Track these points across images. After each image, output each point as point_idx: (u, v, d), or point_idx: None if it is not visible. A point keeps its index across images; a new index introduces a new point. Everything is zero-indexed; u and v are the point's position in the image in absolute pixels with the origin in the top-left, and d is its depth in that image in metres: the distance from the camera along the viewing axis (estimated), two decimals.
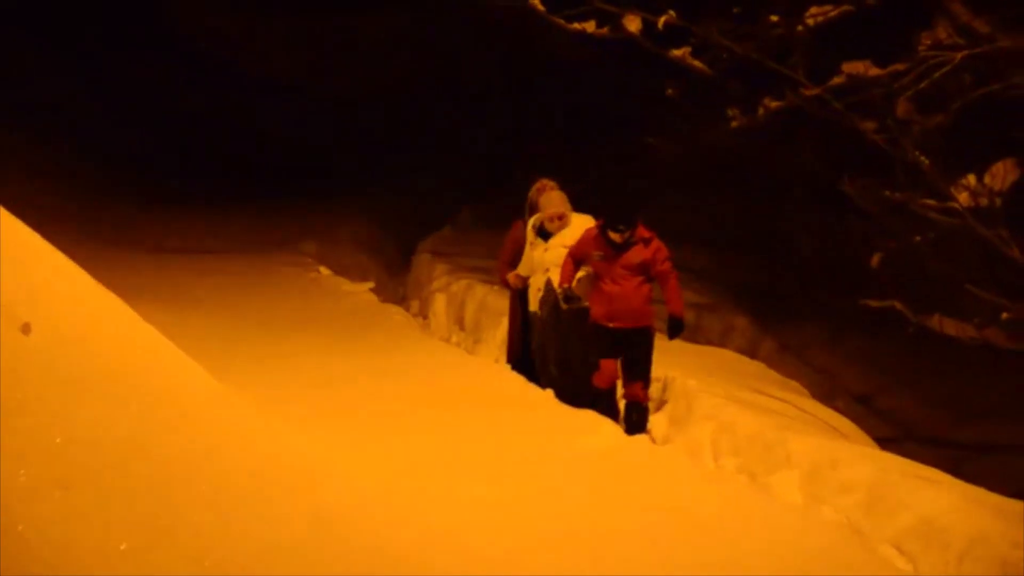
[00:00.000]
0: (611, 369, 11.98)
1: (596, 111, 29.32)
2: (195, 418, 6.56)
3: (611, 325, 11.89)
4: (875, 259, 14.59)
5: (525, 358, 13.25)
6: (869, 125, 13.59)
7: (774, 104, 14.64)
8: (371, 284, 19.38)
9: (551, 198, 12.75)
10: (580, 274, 12.23)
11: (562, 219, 12.65)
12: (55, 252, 6.72)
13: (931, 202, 13.41)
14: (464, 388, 12.49)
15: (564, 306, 12.27)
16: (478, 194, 27.38)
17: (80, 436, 5.49)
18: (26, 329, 5.72)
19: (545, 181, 13.05)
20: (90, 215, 23.42)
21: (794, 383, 15.29)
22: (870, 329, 18.15)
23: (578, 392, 11.99)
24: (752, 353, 17.44)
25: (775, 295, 20.21)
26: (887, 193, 13.66)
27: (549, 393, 12.32)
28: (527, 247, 13.00)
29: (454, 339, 16.95)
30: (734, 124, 15.10)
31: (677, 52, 14.81)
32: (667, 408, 12.31)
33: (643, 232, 11.86)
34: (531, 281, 12.95)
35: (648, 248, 11.82)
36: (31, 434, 5.26)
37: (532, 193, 13.09)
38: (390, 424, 10.79)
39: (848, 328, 19.11)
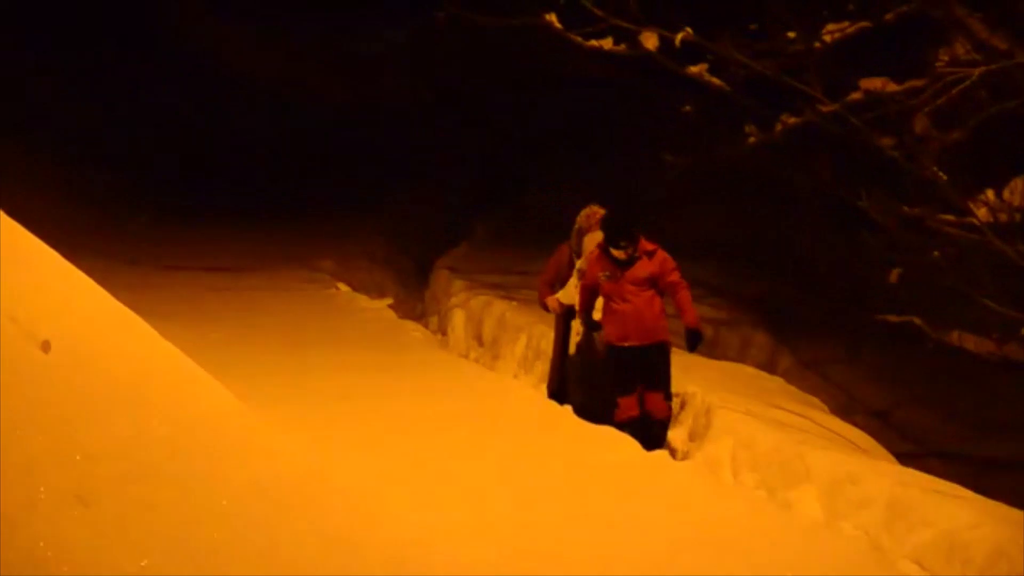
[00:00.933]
0: (631, 405, 11.72)
1: (610, 125, 29.32)
2: (214, 434, 6.57)
3: (626, 344, 11.68)
4: (894, 275, 14.59)
5: (563, 391, 12.87)
6: (887, 141, 13.58)
7: (791, 120, 14.65)
8: (389, 300, 19.41)
9: (594, 239, 12.21)
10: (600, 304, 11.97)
11: None
12: (72, 269, 6.74)
13: (949, 217, 13.41)
14: (482, 404, 12.49)
15: (588, 332, 12.12)
16: (492, 209, 27.36)
17: (100, 452, 5.50)
18: (45, 347, 5.73)
19: (595, 207, 12.59)
20: (102, 231, 23.44)
21: (812, 398, 15.24)
22: (888, 344, 18.10)
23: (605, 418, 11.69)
24: (770, 368, 17.40)
25: (793, 310, 20.16)
26: (905, 208, 13.65)
27: (567, 409, 12.31)
28: (573, 274, 12.52)
29: (472, 355, 16.96)
30: (751, 140, 15.11)
31: (694, 69, 14.82)
32: (686, 423, 12.27)
33: (646, 245, 11.68)
34: (572, 324, 12.57)
35: (653, 261, 11.63)
36: (50, 450, 5.27)
37: (580, 218, 12.64)
38: (407, 439, 10.80)
39: (866, 343, 19.06)
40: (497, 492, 9.25)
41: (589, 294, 11.94)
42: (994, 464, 15.86)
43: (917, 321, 14.52)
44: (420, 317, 19.84)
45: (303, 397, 12.18)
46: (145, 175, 28.75)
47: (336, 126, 32.79)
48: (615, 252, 11.60)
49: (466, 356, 16.86)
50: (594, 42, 14.74)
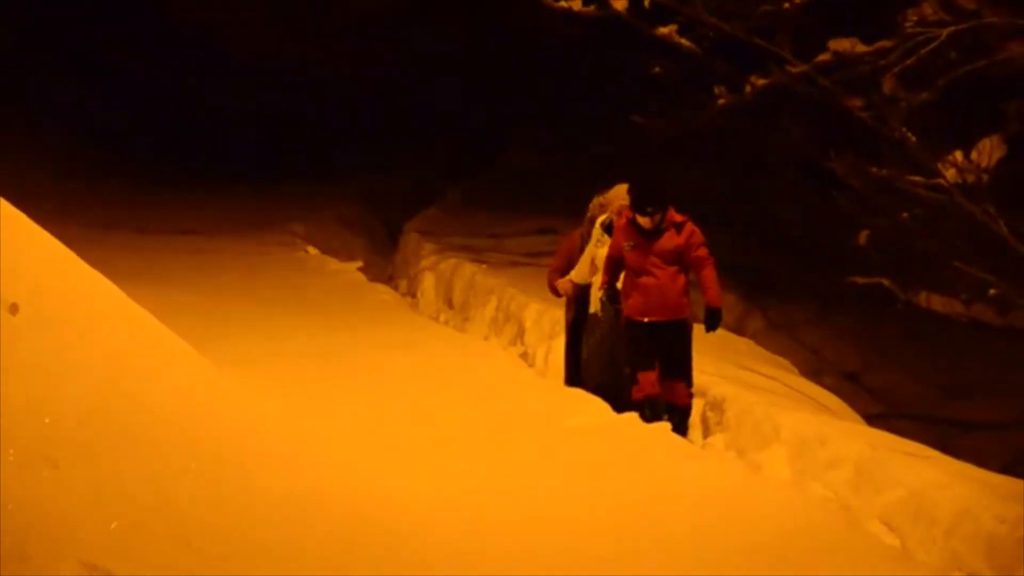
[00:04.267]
0: (650, 381, 10.94)
1: (583, 89, 29.30)
2: (183, 396, 6.57)
3: (646, 319, 10.90)
4: (862, 236, 14.62)
5: (578, 374, 12.01)
6: (856, 102, 13.60)
7: (761, 82, 14.64)
8: (359, 263, 19.41)
9: (617, 191, 11.53)
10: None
11: None
12: (42, 232, 6.72)
13: (918, 179, 13.44)
14: (452, 366, 12.51)
15: (610, 306, 11.33)
16: (465, 174, 27.39)
17: (69, 415, 5.51)
18: (13, 309, 5.72)
19: (608, 195, 11.81)
20: (75, 196, 23.38)
21: (782, 360, 15.33)
22: (858, 306, 18.18)
23: (625, 398, 10.99)
24: (740, 330, 17.46)
25: (763, 272, 20.23)
26: (874, 170, 13.68)
27: (535, 371, 12.31)
28: (589, 247, 11.77)
29: (442, 317, 16.98)
30: (721, 102, 15.10)
31: (664, 30, 14.81)
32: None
33: (675, 216, 10.92)
34: (594, 280, 11.71)
35: (681, 233, 10.90)
36: (20, 413, 5.27)
37: (593, 204, 11.97)
38: (376, 401, 10.82)
39: (836, 305, 19.14)
40: (463, 453, 9.27)
41: (614, 265, 11.18)
42: (962, 425, 15.97)
43: (886, 282, 14.56)
44: (389, 280, 19.85)
45: (272, 358, 12.18)
46: (119, 141, 28.69)
47: (313, 92, 32.71)
48: (641, 220, 10.88)
49: (436, 318, 16.88)
50: (563, 3, 14.71)
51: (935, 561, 8.06)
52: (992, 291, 13.65)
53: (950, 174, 12.95)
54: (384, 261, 21.54)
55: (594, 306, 11.73)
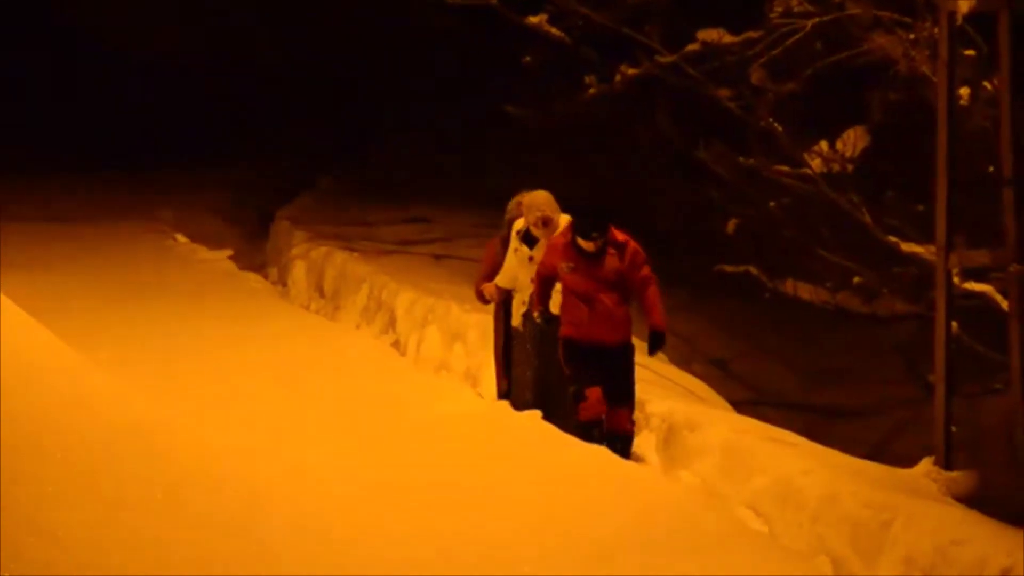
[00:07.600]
0: (598, 397, 10.25)
1: (455, 79, 29.31)
2: (44, 384, 6.49)
3: (587, 343, 10.35)
4: (730, 225, 14.79)
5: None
6: (724, 92, 13.74)
7: (630, 71, 14.73)
8: (229, 252, 19.26)
9: (535, 198, 11.09)
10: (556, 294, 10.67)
11: (548, 224, 10.96)
12: None
13: (785, 168, 13.61)
14: (323, 354, 12.48)
15: (545, 325, 10.69)
16: (339, 162, 27.29)
17: None
18: None
19: (526, 194, 11.37)
20: None
21: None
22: (728, 294, 18.34)
23: (556, 419, 10.47)
24: None
25: None
26: (741, 160, 13.83)
27: (409, 360, 12.28)
28: (509, 253, 11.27)
29: (313, 306, 16.88)
30: (591, 92, 15.17)
31: (534, 19, 14.85)
32: None
33: (616, 235, 10.46)
34: (515, 295, 11.30)
35: (624, 255, 10.37)
36: None
37: (511, 206, 11.52)
38: (247, 390, 10.77)
39: (706, 293, 19.29)
40: (334, 441, 9.25)
41: (546, 284, 10.65)
42: (827, 412, 16.18)
43: (753, 271, 14.74)
44: (260, 268, 19.71)
45: (135, 347, 12.07)
46: None
47: (182, 79, 32.40)
48: (584, 243, 10.36)
49: (307, 307, 16.79)
50: None
51: (801, 546, 8.18)
52: (857, 279, 13.88)
53: (816, 164, 13.15)
54: (256, 250, 21.37)
55: (515, 319, 11.28)
